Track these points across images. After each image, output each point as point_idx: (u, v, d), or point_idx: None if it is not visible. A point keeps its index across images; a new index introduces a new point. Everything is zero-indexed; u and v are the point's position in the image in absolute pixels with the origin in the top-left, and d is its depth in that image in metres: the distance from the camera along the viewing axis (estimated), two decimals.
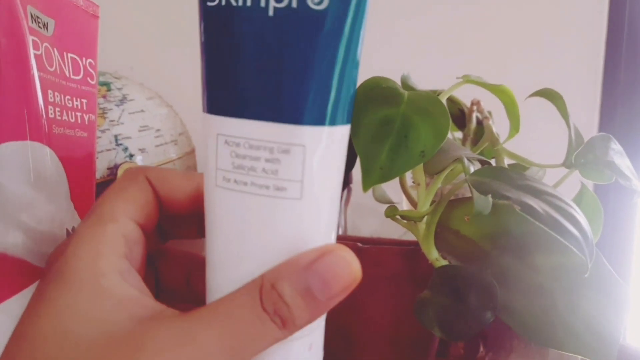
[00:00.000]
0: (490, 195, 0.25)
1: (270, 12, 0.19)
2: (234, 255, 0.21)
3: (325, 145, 0.21)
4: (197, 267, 0.27)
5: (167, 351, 0.19)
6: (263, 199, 0.21)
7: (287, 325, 0.20)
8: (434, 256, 0.30)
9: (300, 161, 0.20)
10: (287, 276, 0.20)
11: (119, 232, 0.22)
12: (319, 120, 0.20)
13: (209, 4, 0.20)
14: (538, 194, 0.26)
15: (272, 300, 0.20)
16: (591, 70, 0.72)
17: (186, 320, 0.20)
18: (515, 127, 0.38)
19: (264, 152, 0.20)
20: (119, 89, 0.40)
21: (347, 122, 0.21)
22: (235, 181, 0.21)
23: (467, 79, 0.34)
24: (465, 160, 0.27)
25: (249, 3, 0.20)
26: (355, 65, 0.21)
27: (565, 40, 0.71)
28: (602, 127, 0.72)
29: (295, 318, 0.20)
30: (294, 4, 0.19)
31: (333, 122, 0.21)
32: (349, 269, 0.21)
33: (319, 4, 0.19)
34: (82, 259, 0.21)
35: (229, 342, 0.20)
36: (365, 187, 0.23)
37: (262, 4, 0.19)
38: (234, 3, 0.20)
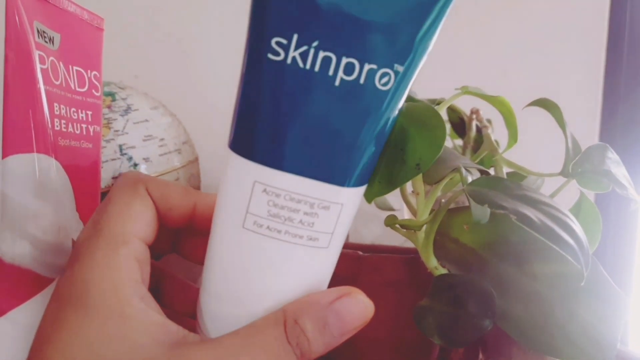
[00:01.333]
0: (486, 205, 0.25)
1: (337, 82, 0.20)
2: (253, 292, 0.23)
3: (356, 201, 0.23)
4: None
5: None
6: (294, 246, 0.22)
7: (304, 356, 0.22)
8: (433, 264, 0.30)
9: (336, 216, 0.22)
10: (308, 313, 0.22)
11: (132, 255, 0.23)
12: (358, 183, 0.22)
13: (272, 57, 0.20)
14: (534, 203, 0.26)
15: (296, 334, 0.22)
16: (592, 77, 0.72)
17: (218, 349, 0.22)
18: (513, 137, 0.38)
19: (304, 206, 0.22)
20: (124, 99, 0.41)
21: None
22: (269, 228, 0.22)
23: (466, 91, 0.34)
24: (463, 170, 0.28)
25: (316, 69, 0.20)
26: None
27: (565, 47, 0.71)
28: (602, 134, 0.72)
29: (312, 351, 0.22)
30: (362, 81, 0.20)
31: (365, 182, 0.23)
32: (365, 310, 0.23)
33: (384, 85, 0.20)
34: (103, 286, 0.22)
35: None
36: (369, 199, 0.23)
37: (330, 72, 0.20)
38: (300, 64, 0.20)
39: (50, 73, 0.28)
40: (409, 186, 0.37)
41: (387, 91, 0.21)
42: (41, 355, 0.21)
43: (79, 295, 0.22)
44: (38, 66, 0.27)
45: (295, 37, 0.20)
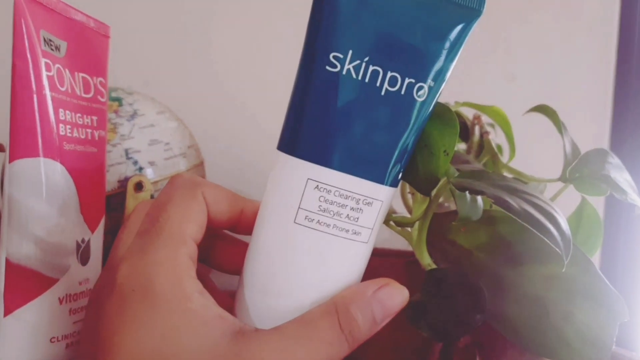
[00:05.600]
0: (467, 192, 0.27)
1: (383, 92, 0.24)
2: (300, 284, 0.25)
3: (390, 201, 0.26)
4: (213, 237, 0.30)
5: None
6: (341, 239, 0.25)
7: (354, 342, 0.24)
8: (427, 261, 0.31)
9: (376, 213, 0.25)
10: (357, 302, 0.24)
11: (189, 254, 0.24)
12: (393, 184, 0.25)
13: (329, 68, 0.24)
14: (516, 192, 0.27)
15: (348, 322, 0.24)
16: (602, 80, 0.72)
17: (281, 339, 0.23)
18: (512, 149, 0.40)
19: (351, 202, 0.25)
20: (130, 104, 0.41)
21: None
22: (319, 222, 0.24)
23: (464, 103, 0.36)
24: (451, 168, 0.28)
25: (367, 80, 0.24)
26: None
27: (575, 49, 0.71)
28: (613, 137, 0.72)
29: (361, 338, 0.24)
30: (403, 92, 0.24)
31: (398, 183, 0.26)
32: (403, 297, 0.25)
33: (420, 96, 0.24)
34: (167, 282, 0.23)
35: (317, 358, 0.23)
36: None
37: (378, 84, 0.24)
38: (354, 75, 0.24)
39: (56, 80, 0.29)
40: (408, 187, 0.38)
41: (422, 101, 0.24)
42: (110, 346, 0.23)
43: (144, 289, 0.23)
44: (44, 73, 0.28)
45: (350, 52, 0.24)
